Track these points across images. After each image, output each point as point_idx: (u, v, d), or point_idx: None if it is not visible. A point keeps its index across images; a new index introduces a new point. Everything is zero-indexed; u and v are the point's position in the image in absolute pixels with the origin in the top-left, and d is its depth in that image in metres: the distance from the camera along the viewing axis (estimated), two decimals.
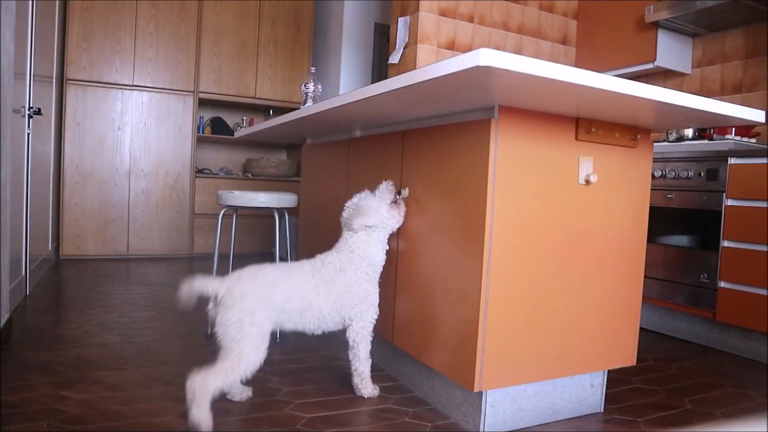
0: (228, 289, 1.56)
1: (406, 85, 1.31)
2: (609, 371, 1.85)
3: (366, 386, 1.77)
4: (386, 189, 1.78)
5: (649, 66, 3.32)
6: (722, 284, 2.52)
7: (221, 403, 1.66)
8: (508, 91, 1.31)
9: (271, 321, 1.61)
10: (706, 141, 2.87)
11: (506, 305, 1.50)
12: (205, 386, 1.45)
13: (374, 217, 1.73)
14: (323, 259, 1.74)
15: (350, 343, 1.75)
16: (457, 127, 1.60)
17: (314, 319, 1.68)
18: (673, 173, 2.76)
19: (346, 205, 1.80)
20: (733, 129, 2.85)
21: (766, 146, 2.47)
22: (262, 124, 2.63)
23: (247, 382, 1.84)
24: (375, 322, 1.77)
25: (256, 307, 1.55)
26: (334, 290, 1.69)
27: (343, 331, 1.76)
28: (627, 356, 1.77)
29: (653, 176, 2.84)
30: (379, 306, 1.77)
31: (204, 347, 2.16)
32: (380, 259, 1.77)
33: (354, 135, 2.36)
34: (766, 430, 1.71)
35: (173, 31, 4.52)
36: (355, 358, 1.76)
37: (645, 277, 2.03)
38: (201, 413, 1.43)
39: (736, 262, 2.46)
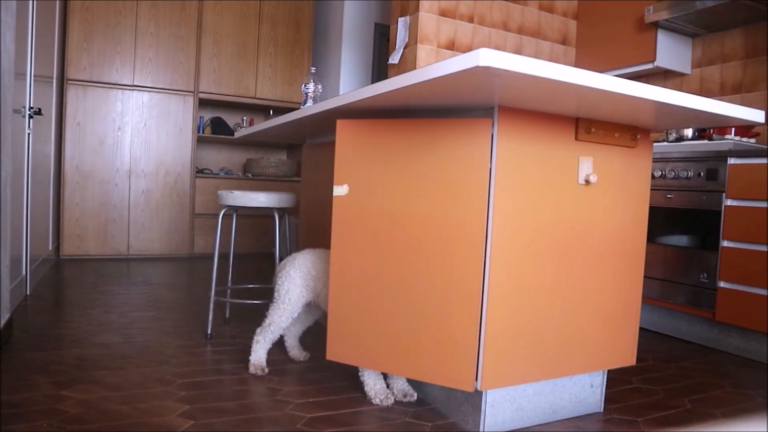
0: (283, 262, 1.99)
1: (406, 85, 1.31)
2: (609, 371, 1.85)
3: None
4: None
5: (649, 66, 3.32)
6: (722, 284, 2.52)
7: (219, 403, 1.66)
8: (508, 91, 1.32)
9: (304, 294, 1.92)
10: (706, 141, 2.87)
11: (506, 305, 1.50)
12: (256, 337, 1.94)
13: None
14: None
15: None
16: (456, 126, 1.60)
17: (319, 295, 1.94)
18: (673, 173, 2.76)
19: None
20: (733, 129, 2.85)
21: (765, 146, 2.48)
22: (262, 124, 2.63)
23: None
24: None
25: (292, 281, 1.91)
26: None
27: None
28: (627, 356, 1.78)
29: (653, 176, 2.84)
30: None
31: (204, 347, 2.16)
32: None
33: None
34: (766, 430, 1.71)
35: (173, 32, 4.53)
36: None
37: (645, 277, 2.04)
38: (254, 358, 1.93)
39: (736, 262, 2.46)
